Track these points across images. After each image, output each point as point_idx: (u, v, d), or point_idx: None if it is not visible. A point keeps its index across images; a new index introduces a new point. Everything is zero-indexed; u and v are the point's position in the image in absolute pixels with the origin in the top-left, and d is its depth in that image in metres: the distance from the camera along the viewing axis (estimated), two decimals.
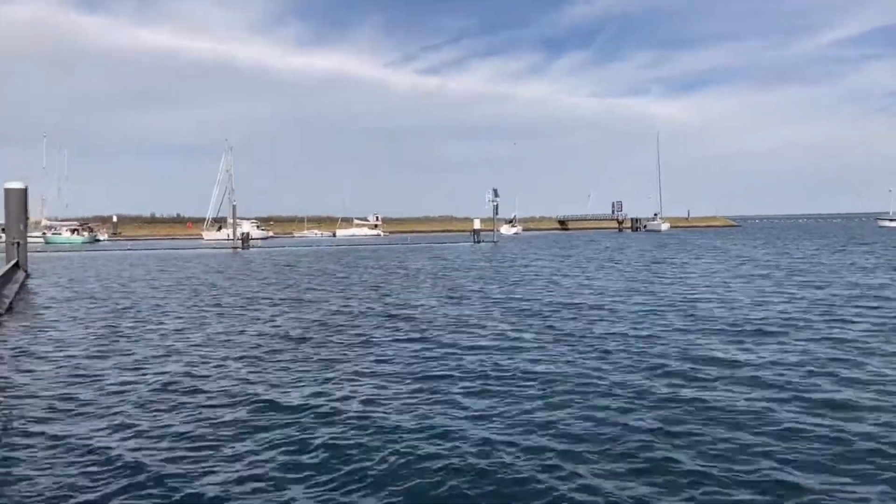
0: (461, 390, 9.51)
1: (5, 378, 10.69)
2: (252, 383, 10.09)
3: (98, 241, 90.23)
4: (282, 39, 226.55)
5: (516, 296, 21.17)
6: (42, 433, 7.82)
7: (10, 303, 20.45)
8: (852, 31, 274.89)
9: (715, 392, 9.22)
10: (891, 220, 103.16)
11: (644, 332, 14.05)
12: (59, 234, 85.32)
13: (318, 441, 7.38)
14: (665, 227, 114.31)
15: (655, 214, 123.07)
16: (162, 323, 16.54)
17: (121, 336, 14.55)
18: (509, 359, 11.66)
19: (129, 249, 64.13)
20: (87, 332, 15.24)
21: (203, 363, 11.59)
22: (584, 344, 12.91)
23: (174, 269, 37.47)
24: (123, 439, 7.57)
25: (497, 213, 79.63)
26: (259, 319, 16.91)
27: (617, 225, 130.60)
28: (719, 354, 11.70)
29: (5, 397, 9.49)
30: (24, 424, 8.16)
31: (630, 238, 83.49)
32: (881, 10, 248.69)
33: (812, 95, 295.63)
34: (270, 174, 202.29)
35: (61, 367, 11.50)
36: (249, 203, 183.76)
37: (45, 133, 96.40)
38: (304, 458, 6.90)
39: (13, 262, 31.36)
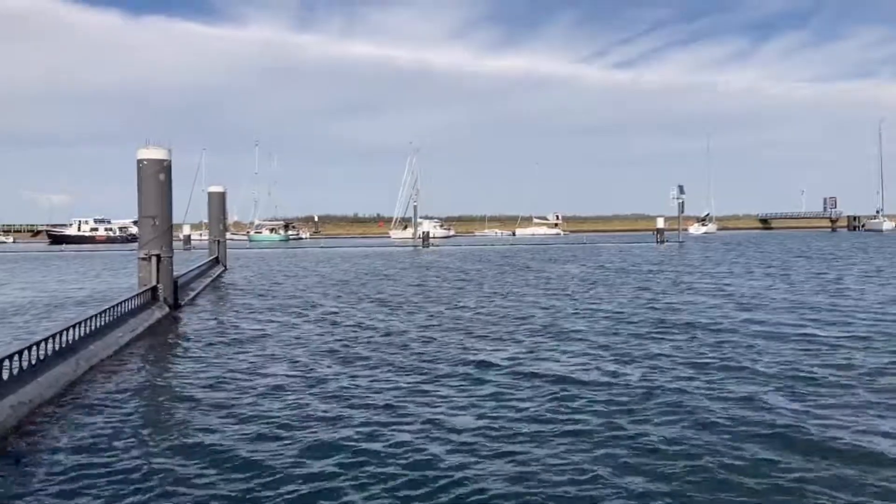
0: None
1: (162, 361, 11.94)
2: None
3: (300, 238, 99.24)
4: (475, 44, 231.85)
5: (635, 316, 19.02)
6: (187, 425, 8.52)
7: (196, 295, 22.97)
8: None
9: None
10: None
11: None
12: (260, 232, 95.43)
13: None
14: (889, 225, 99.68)
15: (878, 212, 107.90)
16: (305, 317, 17.54)
17: (268, 325, 15.66)
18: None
19: (321, 247, 69.64)
20: (248, 323, 16.62)
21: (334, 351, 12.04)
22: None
23: (347, 264, 39.78)
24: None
25: (683, 211, 74.80)
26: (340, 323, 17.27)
27: (830, 224, 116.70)
28: None
29: (156, 382, 10.55)
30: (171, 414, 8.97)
31: (842, 239, 73.81)
32: None
33: None
34: (461, 174, 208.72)
35: (208, 355, 12.57)
36: (439, 203, 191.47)
37: (256, 141, 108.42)
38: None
39: (213, 258, 35.39)
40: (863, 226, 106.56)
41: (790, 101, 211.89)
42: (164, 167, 18.90)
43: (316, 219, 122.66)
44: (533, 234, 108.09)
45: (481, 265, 38.49)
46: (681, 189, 72.56)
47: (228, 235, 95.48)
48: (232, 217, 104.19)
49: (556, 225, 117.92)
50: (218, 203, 36.79)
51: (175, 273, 22.36)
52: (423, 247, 66.10)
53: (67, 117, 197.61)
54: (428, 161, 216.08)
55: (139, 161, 18.56)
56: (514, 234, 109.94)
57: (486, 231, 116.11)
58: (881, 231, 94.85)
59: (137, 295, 16.45)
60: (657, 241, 67.77)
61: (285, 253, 58.54)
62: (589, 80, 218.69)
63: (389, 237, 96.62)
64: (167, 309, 18.27)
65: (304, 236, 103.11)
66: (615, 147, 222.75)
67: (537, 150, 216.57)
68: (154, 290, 18.05)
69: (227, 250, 44.04)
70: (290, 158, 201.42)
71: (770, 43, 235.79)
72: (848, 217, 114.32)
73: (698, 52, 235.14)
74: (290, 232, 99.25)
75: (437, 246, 68.79)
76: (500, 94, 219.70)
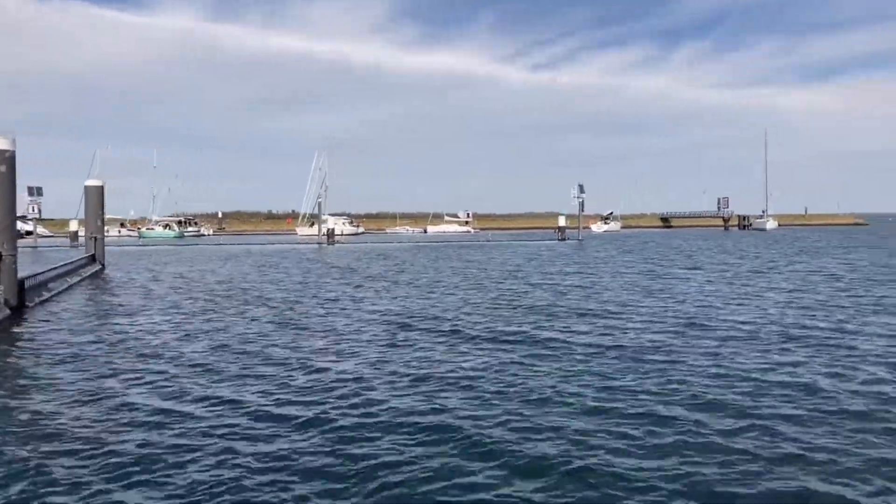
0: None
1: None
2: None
3: (201, 235, 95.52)
4: (396, 40, 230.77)
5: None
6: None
7: (52, 296, 21.62)
8: None
9: None
10: None
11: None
12: (153, 229, 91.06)
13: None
14: (771, 225, 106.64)
15: (763, 212, 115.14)
16: (155, 322, 16.83)
17: (117, 329, 14.89)
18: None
19: (218, 244, 67.24)
20: (94, 330, 15.75)
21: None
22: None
23: (234, 262, 38.61)
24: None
25: (583, 210, 77.27)
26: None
27: (723, 223, 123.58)
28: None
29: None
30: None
31: (725, 237, 78.28)
32: None
33: None
34: (379, 171, 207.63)
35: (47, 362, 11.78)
36: (356, 200, 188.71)
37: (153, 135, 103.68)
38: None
39: (89, 255, 33.55)
40: (750, 225, 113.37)
41: (699, 105, 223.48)
42: (6, 158, 17.71)
43: (220, 215, 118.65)
44: (444, 232, 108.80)
45: (341, 265, 38.40)
46: (581, 188, 74.89)
47: (125, 231, 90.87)
48: (129, 213, 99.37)
49: (467, 223, 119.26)
50: (95, 197, 34.80)
51: (29, 272, 21.08)
52: (329, 244, 65.13)
53: None
54: (347, 157, 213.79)
55: None
56: (425, 232, 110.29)
57: (397, 228, 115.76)
58: (765, 230, 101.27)
59: None
60: (559, 239, 69.88)
61: (174, 251, 55.96)
62: (509, 79, 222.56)
63: (296, 234, 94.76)
64: (7, 311, 17.09)
65: (206, 233, 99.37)
66: (534, 146, 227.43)
67: (458, 147, 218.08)
68: None
69: (111, 248, 42.02)
70: (207, 153, 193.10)
71: (678, 51, 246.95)
72: (739, 216, 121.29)
73: (611, 57, 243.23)
74: (188, 228, 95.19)
75: (343, 244, 67.97)
76: (422, 91, 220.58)
